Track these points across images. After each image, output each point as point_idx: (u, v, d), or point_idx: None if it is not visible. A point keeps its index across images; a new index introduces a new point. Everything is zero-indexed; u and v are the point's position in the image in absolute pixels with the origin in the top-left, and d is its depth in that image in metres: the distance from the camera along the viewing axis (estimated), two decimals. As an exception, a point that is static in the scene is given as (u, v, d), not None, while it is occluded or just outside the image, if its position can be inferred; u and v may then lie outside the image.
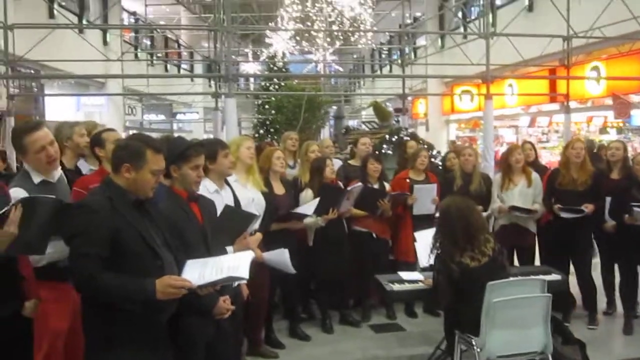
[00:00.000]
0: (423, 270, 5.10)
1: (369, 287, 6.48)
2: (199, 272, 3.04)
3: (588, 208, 6.16)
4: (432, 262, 5.07)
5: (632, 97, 12.78)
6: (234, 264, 3.14)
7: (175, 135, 4.07)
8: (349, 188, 6.25)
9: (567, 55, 12.28)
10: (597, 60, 13.86)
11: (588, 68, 14.04)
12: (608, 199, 6.21)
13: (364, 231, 6.65)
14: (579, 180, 6.32)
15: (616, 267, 6.69)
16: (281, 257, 4.80)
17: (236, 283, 3.96)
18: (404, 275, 5.09)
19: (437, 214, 6.35)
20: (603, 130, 15.53)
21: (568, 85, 12.87)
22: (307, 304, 6.85)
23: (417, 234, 5.44)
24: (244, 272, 3.08)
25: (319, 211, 5.88)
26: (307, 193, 6.19)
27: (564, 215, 6.23)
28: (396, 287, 4.88)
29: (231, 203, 4.45)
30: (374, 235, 6.67)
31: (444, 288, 4.43)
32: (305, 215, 5.89)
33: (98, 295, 2.89)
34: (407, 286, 4.93)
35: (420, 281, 5.00)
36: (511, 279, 4.25)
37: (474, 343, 4.21)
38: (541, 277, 4.62)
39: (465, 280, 4.32)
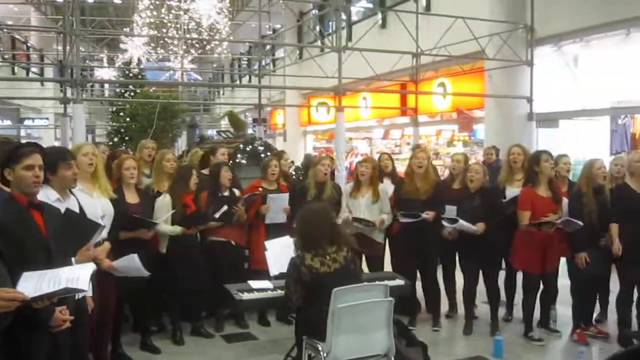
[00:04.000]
0: (276, 278, 5.13)
1: (223, 297, 6.44)
2: (35, 284, 2.90)
3: (429, 215, 6.49)
4: (283, 270, 5.15)
5: (475, 112, 13.61)
6: (73, 275, 3.01)
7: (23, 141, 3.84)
8: (216, 215, 6.31)
9: (415, 71, 12.91)
10: (443, 76, 14.66)
11: (435, 84, 14.80)
12: (448, 208, 6.53)
13: (221, 240, 6.61)
14: (421, 190, 6.63)
15: (456, 271, 7.08)
16: (132, 262, 4.69)
17: (80, 295, 3.75)
18: (254, 284, 5.08)
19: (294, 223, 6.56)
20: (450, 143, 16.46)
21: (417, 100, 13.54)
22: (158, 316, 6.70)
23: (267, 243, 5.46)
24: (83, 284, 2.98)
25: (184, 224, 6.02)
26: (165, 198, 6.11)
27: (402, 220, 6.54)
28: (245, 296, 4.86)
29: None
30: (233, 242, 6.66)
31: (292, 290, 4.48)
32: (154, 224, 5.80)
33: None
34: (256, 295, 4.91)
35: (277, 288, 5.00)
36: (355, 285, 4.37)
37: (320, 348, 4.29)
38: (385, 282, 4.77)
39: (315, 285, 4.39)
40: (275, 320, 6.94)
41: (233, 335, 6.58)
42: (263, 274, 5.60)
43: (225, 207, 6.34)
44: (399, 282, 5.38)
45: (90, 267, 3.20)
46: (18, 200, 3.29)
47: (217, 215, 6.34)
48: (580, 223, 6.02)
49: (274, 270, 5.14)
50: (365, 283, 4.57)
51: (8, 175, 3.28)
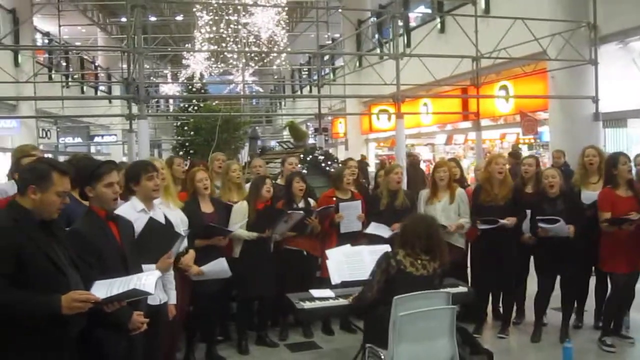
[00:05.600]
0: (334, 287, 5.14)
1: (287, 306, 6.49)
2: (106, 289, 3.09)
3: (510, 221, 6.39)
4: (344, 278, 5.17)
5: (539, 114, 13.33)
6: (140, 281, 3.19)
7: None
8: (289, 211, 6.35)
9: (476, 74, 12.75)
10: (505, 79, 14.44)
11: (497, 87, 14.59)
12: (528, 212, 6.40)
13: (294, 249, 6.70)
14: (500, 195, 6.54)
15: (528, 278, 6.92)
16: (220, 266, 5.02)
17: (161, 301, 4.14)
18: (315, 293, 5.10)
19: (367, 229, 6.63)
20: (515, 146, 16.15)
21: (478, 104, 13.36)
22: (224, 325, 6.80)
23: (328, 252, 5.48)
24: (149, 287, 3.15)
25: (254, 230, 6.12)
26: (242, 204, 6.26)
27: (481, 227, 6.45)
28: (307, 305, 4.89)
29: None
30: (305, 252, 6.72)
31: (375, 281, 4.53)
32: (228, 232, 5.94)
33: (1, 312, 2.85)
34: (317, 304, 4.94)
35: (339, 297, 5.02)
36: (417, 292, 4.34)
37: (382, 356, 4.27)
38: (447, 289, 4.72)
39: (396, 280, 4.41)
40: (339, 329, 6.94)
41: (297, 345, 6.60)
42: (328, 282, 5.64)
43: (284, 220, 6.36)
44: (462, 289, 5.31)
45: (156, 274, 3.39)
46: (97, 214, 3.56)
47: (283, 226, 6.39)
48: None
49: (335, 279, 5.15)
50: (425, 291, 4.53)
51: (89, 192, 3.55)
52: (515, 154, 11.59)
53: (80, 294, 2.94)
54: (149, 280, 3.20)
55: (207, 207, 5.96)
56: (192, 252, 5.07)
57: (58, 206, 3.10)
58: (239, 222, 6.13)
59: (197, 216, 5.61)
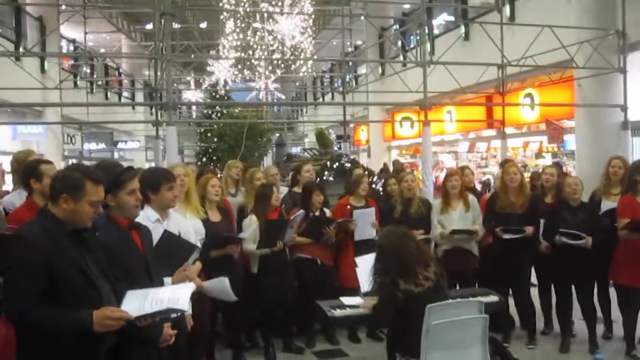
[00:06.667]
0: (365, 295, 5.13)
1: (313, 314, 6.49)
2: (139, 303, 3.02)
3: (528, 229, 6.35)
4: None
5: (565, 122, 13.22)
6: (174, 295, 3.13)
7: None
8: (291, 217, 6.33)
9: (501, 82, 12.68)
10: (530, 87, 14.34)
11: (522, 95, 14.50)
12: (542, 221, 6.39)
13: (308, 258, 6.70)
14: (517, 203, 6.51)
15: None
16: (221, 285, 4.74)
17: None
18: (346, 300, 5.10)
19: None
20: (539, 155, 16.06)
21: (503, 112, 13.31)
22: (251, 332, 6.81)
23: (357, 259, 5.47)
24: (184, 304, 3.10)
25: (265, 245, 6.06)
26: (252, 219, 6.23)
27: (506, 236, 6.38)
28: (338, 312, 4.89)
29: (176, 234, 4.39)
30: (319, 261, 6.72)
31: (386, 312, 4.46)
32: (241, 239, 5.93)
33: (32, 329, 2.83)
34: (348, 311, 4.94)
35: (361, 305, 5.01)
36: (450, 301, 4.32)
37: (415, 365, 4.26)
38: (479, 299, 4.69)
39: (410, 306, 4.35)
40: (366, 337, 6.92)
41: (324, 352, 6.60)
42: (350, 291, 5.63)
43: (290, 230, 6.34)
44: (493, 298, 5.27)
45: (191, 287, 3.33)
46: (119, 222, 3.48)
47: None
48: None
49: (365, 287, 5.13)
50: (460, 299, 4.50)
51: (110, 200, 3.44)
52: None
53: (113, 311, 2.90)
54: (184, 295, 3.15)
55: (215, 216, 5.90)
56: (198, 264, 4.80)
57: (91, 215, 3.06)
58: (249, 234, 6.10)
59: (208, 226, 5.47)
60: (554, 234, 6.18)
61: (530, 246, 6.49)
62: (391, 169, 14.96)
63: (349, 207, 6.89)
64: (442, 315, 4.18)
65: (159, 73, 10.37)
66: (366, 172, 8.19)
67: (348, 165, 8.26)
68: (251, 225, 6.20)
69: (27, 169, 4.51)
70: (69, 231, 3.00)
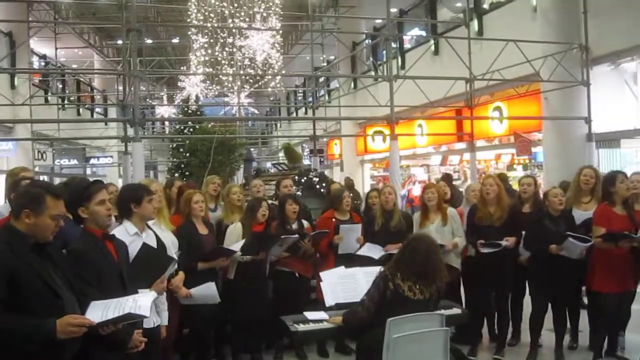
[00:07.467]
0: (329, 309, 5.13)
1: (281, 328, 6.46)
2: (102, 311, 3.10)
3: (509, 241, 6.40)
4: (338, 300, 5.15)
5: (534, 134, 13.40)
6: (136, 303, 3.20)
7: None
8: (283, 236, 6.39)
9: (470, 96, 12.83)
10: (499, 100, 14.53)
11: (491, 108, 14.69)
12: (523, 232, 6.43)
13: (286, 271, 6.71)
14: (495, 216, 6.55)
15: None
16: (209, 290, 5.01)
17: (156, 324, 4.25)
18: (309, 315, 5.09)
19: (360, 251, 6.68)
20: (510, 167, 16.25)
21: (472, 125, 13.45)
22: (219, 347, 6.77)
23: (322, 274, 5.46)
24: (145, 310, 3.17)
25: (247, 252, 6.10)
26: (236, 226, 6.30)
27: (483, 250, 6.42)
28: (301, 327, 4.88)
29: (154, 246, 4.48)
30: (297, 274, 6.73)
31: (371, 302, 4.54)
32: (234, 252, 5.99)
33: None
34: (311, 326, 4.92)
35: (325, 320, 5.01)
36: (410, 315, 4.34)
37: (376, 379, 4.26)
38: (441, 311, 4.71)
39: (392, 303, 4.42)
40: (334, 352, 6.90)
41: (292, 367, 6.58)
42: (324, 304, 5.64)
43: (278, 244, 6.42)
44: (456, 310, 5.29)
45: (152, 296, 3.44)
46: (93, 233, 3.62)
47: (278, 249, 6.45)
48: None
49: (329, 301, 5.15)
50: (419, 313, 4.52)
51: (82, 213, 3.60)
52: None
53: (75, 318, 2.96)
54: (145, 302, 3.22)
55: (203, 229, 6.04)
56: (181, 274, 5.10)
57: (53, 229, 3.14)
58: (233, 244, 6.13)
59: (195, 239, 5.75)
60: (535, 245, 6.25)
61: (511, 258, 6.55)
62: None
63: (334, 220, 6.92)
64: (402, 329, 4.20)
65: (127, 89, 10.35)
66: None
67: (316, 179, 8.28)
68: (236, 233, 6.24)
69: (11, 184, 4.78)
70: (31, 244, 3.07)
